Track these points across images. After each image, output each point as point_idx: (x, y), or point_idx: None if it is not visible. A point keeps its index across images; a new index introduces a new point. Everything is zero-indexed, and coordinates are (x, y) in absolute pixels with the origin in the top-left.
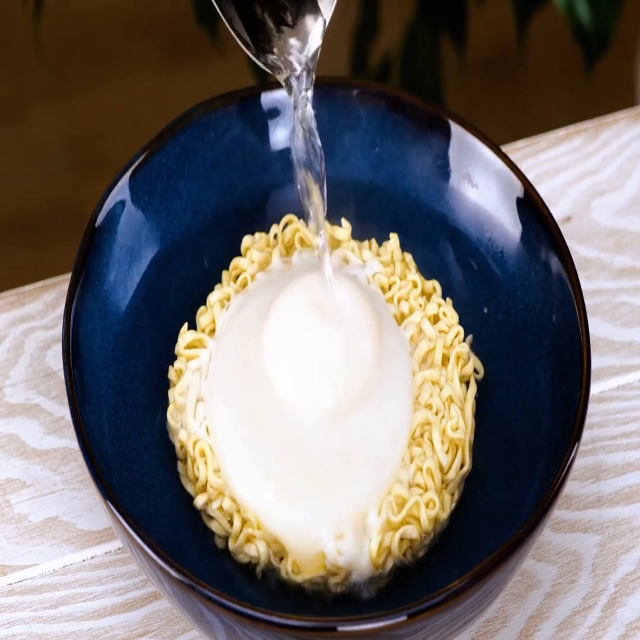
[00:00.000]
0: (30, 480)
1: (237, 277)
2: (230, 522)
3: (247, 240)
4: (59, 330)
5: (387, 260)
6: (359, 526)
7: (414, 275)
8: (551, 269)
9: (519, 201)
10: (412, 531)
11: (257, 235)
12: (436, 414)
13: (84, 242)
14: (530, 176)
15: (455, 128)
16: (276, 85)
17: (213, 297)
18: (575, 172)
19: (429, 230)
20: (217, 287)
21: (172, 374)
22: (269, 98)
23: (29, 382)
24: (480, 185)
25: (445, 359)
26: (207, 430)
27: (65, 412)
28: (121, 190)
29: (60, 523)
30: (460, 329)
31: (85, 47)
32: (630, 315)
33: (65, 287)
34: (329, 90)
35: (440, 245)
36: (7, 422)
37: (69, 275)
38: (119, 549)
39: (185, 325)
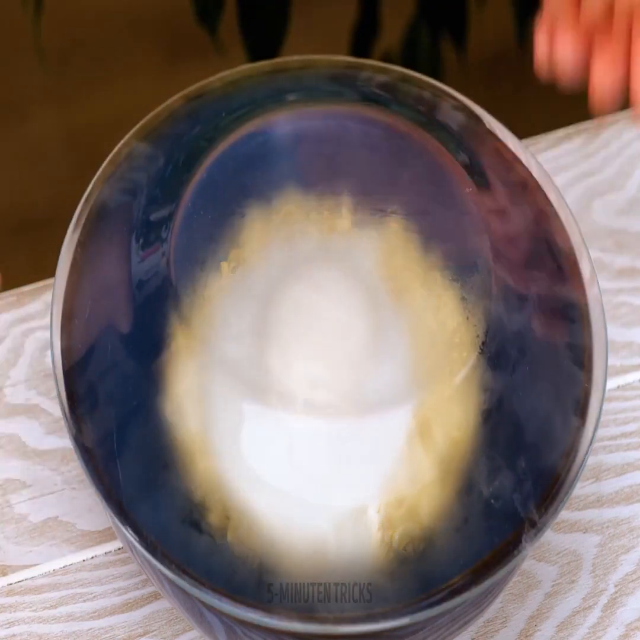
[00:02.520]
0: (30, 480)
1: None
2: (227, 517)
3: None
4: None
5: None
6: (359, 525)
7: None
8: None
9: None
10: (413, 528)
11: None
12: (439, 409)
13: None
14: None
15: None
16: None
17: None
18: (575, 172)
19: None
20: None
21: (168, 369)
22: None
23: (29, 382)
24: None
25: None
26: (205, 429)
27: None
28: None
29: (60, 523)
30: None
31: (85, 47)
32: (630, 315)
33: None
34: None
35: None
36: (7, 422)
37: None
38: (119, 549)
39: None
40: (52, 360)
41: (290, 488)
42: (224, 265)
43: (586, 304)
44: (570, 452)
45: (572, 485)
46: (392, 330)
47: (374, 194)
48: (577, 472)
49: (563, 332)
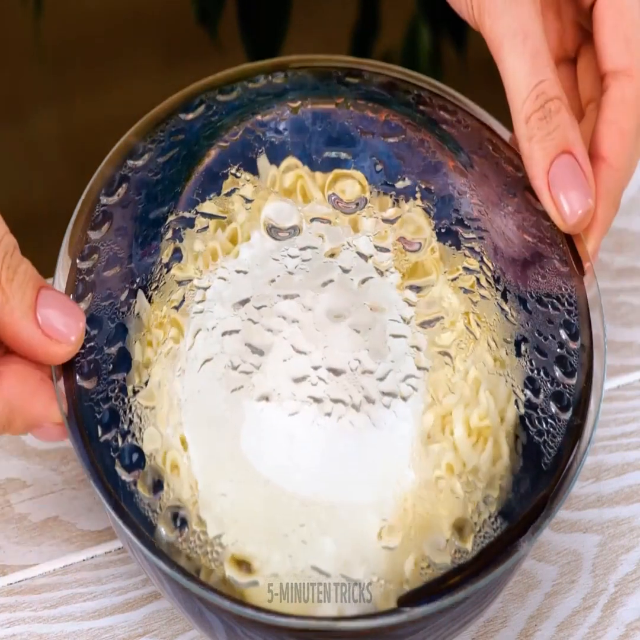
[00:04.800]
0: (30, 480)
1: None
2: (226, 517)
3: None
4: None
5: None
6: (359, 525)
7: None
8: None
9: None
10: (412, 527)
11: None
12: (440, 410)
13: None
14: None
15: None
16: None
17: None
18: None
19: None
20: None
21: (169, 369)
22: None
23: None
24: None
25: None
26: (182, 440)
27: None
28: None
29: (61, 523)
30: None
31: (85, 47)
32: (630, 315)
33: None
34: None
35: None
36: None
37: None
38: (119, 548)
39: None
40: None
41: (290, 488)
42: (224, 263)
43: (586, 304)
44: (569, 452)
45: (570, 485)
46: (396, 328)
47: (373, 193)
48: (577, 472)
49: (562, 332)
